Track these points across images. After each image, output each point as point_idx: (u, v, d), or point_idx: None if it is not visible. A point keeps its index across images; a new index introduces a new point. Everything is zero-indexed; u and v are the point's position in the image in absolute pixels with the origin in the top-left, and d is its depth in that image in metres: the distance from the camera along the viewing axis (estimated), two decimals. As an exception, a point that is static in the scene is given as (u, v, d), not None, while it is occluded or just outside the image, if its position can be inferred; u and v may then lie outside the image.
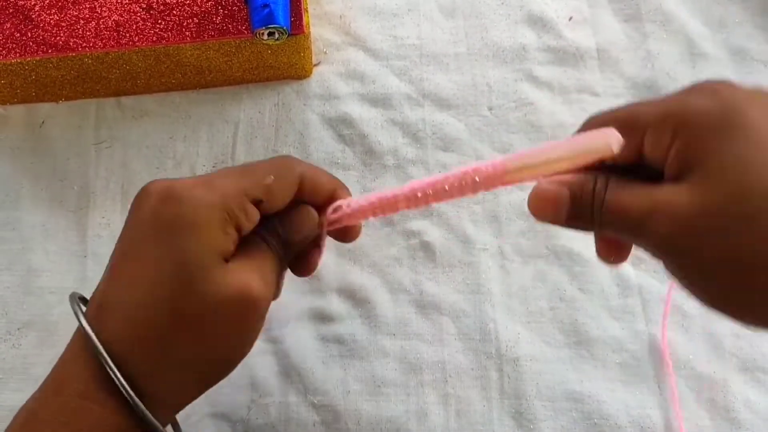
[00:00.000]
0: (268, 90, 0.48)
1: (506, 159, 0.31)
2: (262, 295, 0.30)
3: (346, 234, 0.36)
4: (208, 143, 0.47)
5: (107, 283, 0.30)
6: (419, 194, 0.32)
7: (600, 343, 0.42)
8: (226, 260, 0.29)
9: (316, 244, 0.35)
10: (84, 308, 0.30)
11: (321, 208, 0.34)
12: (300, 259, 0.35)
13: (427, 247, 0.44)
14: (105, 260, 0.44)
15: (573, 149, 0.29)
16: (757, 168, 0.24)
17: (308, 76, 0.48)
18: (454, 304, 0.43)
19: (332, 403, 0.41)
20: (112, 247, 0.44)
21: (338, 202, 0.34)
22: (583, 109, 0.47)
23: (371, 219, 0.35)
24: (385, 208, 0.33)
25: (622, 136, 0.28)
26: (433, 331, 0.42)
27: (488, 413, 0.41)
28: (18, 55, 0.43)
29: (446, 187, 0.32)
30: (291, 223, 0.32)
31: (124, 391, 0.27)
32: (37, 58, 0.43)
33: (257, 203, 0.31)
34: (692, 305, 0.42)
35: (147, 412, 0.27)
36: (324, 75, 0.48)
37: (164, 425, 0.29)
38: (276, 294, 0.33)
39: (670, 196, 0.26)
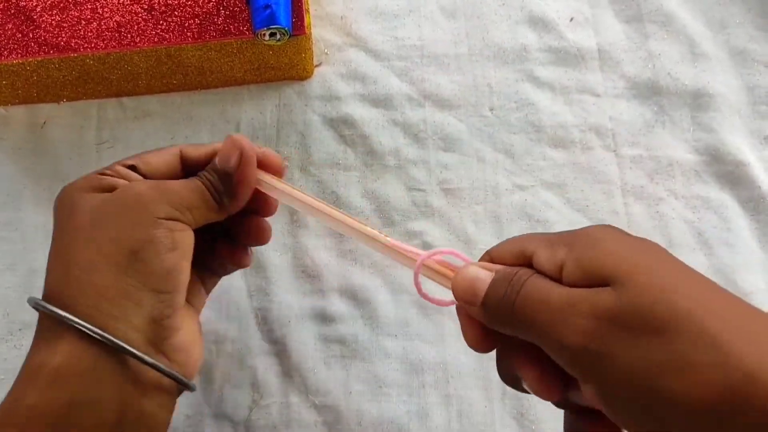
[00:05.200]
0: (270, 91, 0.48)
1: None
2: (148, 196, 0.32)
3: (262, 209, 0.37)
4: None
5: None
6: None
7: (601, 344, 0.42)
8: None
9: (253, 211, 0.36)
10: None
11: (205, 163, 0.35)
12: (247, 224, 0.37)
13: (428, 248, 0.44)
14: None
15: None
16: (672, 285, 0.25)
17: (309, 76, 0.48)
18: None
19: (334, 404, 0.41)
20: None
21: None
22: (584, 110, 0.47)
23: (285, 198, 0.35)
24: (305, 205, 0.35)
25: (514, 260, 0.29)
26: (435, 332, 0.42)
27: (490, 414, 0.41)
28: (19, 55, 0.43)
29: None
30: (221, 153, 0.34)
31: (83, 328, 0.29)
32: (39, 58, 0.43)
33: (131, 167, 0.34)
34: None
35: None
36: (325, 76, 0.48)
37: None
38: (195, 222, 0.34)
39: (591, 294, 0.25)
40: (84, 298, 0.29)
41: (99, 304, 0.29)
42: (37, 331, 0.30)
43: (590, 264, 0.26)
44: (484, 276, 0.29)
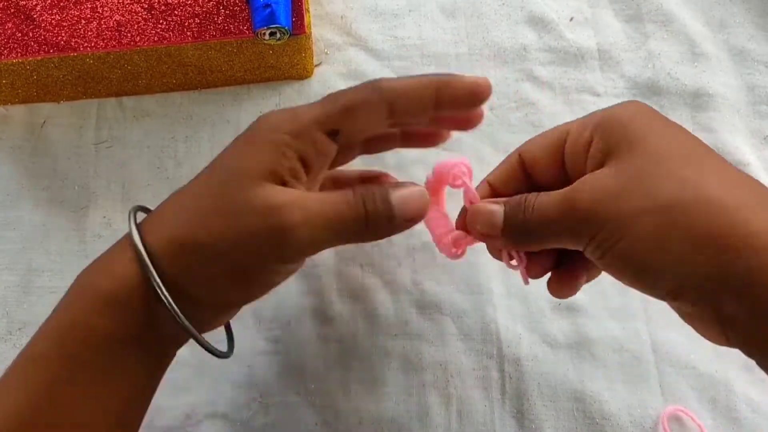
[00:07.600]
0: (270, 90, 0.48)
1: None
2: (292, 224, 0.29)
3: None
4: (209, 143, 0.47)
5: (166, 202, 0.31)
6: None
7: (601, 343, 0.42)
8: (282, 183, 0.29)
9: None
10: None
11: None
12: None
13: (427, 247, 0.44)
14: (106, 260, 0.44)
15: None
16: (660, 149, 0.29)
17: (309, 76, 0.48)
18: (454, 305, 0.43)
19: (333, 404, 0.41)
20: (113, 246, 0.44)
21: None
22: (584, 109, 0.47)
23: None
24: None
25: (551, 149, 0.32)
26: (435, 332, 0.42)
27: (490, 413, 0.40)
28: (19, 55, 0.43)
29: None
30: (404, 202, 0.31)
31: (158, 289, 0.29)
32: (39, 58, 0.43)
33: (334, 134, 0.30)
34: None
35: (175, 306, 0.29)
36: (325, 75, 0.48)
37: (211, 327, 0.32)
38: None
39: (591, 177, 0.29)
40: (198, 289, 0.30)
41: None
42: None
43: (608, 144, 0.29)
44: (497, 209, 0.32)
